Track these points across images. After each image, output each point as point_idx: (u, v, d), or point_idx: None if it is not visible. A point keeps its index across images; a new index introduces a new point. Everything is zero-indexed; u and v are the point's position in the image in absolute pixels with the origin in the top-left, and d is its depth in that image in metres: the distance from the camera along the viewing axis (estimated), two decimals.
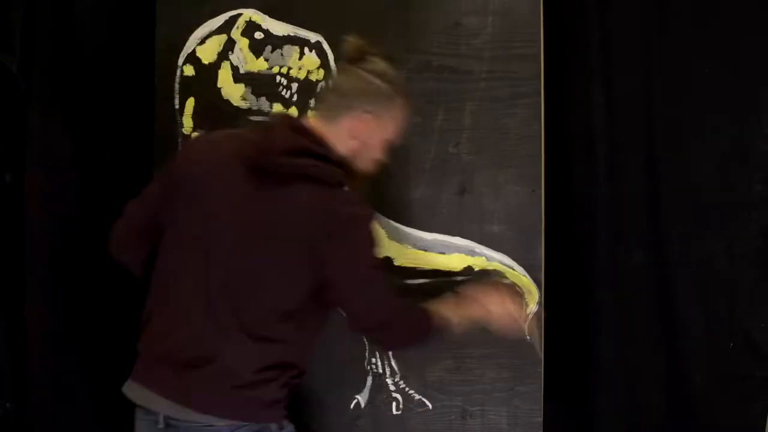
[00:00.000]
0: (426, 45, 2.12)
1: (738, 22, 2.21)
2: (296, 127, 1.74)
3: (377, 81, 1.75)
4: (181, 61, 2.18)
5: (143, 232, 1.84)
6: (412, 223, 2.12)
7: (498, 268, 2.10)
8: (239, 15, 2.17)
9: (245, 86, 2.16)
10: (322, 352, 2.11)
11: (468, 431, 2.10)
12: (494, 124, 2.10)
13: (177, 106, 2.19)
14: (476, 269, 2.10)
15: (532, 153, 2.09)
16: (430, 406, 2.11)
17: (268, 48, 2.16)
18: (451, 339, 2.09)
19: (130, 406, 2.05)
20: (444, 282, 2.11)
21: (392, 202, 2.12)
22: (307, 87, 2.14)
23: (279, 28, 2.16)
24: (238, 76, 2.16)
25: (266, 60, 2.15)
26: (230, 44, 2.16)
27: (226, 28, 2.17)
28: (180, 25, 2.19)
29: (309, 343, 1.82)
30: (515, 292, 2.03)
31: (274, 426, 1.75)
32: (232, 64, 2.17)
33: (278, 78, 2.15)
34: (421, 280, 2.12)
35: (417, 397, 2.11)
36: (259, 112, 2.16)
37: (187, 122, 2.18)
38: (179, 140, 2.17)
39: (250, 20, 2.17)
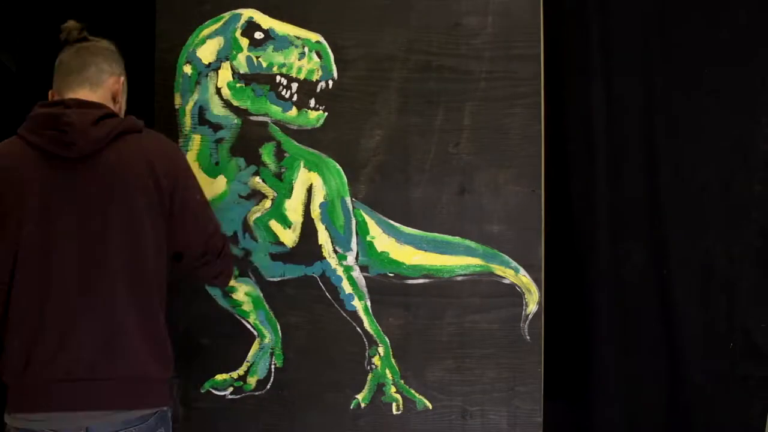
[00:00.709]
0: (426, 45, 2.12)
1: (738, 22, 2.21)
2: (72, 103, 1.74)
3: (110, 47, 1.86)
4: (181, 61, 2.18)
5: None
6: (412, 223, 2.12)
7: (497, 268, 2.10)
8: (239, 15, 2.17)
9: (245, 86, 2.16)
10: (322, 352, 2.12)
11: (468, 431, 2.10)
12: (494, 124, 2.10)
13: (177, 106, 2.19)
14: (476, 269, 2.10)
15: (532, 153, 2.09)
16: (430, 406, 2.11)
17: (268, 48, 2.16)
18: (450, 339, 2.10)
19: None
20: (444, 282, 2.11)
21: (392, 202, 2.12)
22: (307, 87, 2.14)
23: (279, 28, 2.16)
24: (238, 76, 2.17)
25: (266, 60, 2.15)
26: (230, 44, 2.16)
27: (226, 27, 2.17)
28: (180, 25, 2.19)
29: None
30: None
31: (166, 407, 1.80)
32: (232, 64, 2.17)
33: (278, 78, 2.15)
34: (421, 280, 2.12)
35: (417, 397, 2.11)
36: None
37: (187, 122, 2.18)
38: (179, 140, 2.17)
39: (250, 20, 2.17)
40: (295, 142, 2.15)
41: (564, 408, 2.28)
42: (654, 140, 2.26)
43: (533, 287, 2.08)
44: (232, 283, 2.14)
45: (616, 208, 2.27)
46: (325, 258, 2.13)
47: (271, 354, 2.14)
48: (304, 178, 2.14)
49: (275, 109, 2.15)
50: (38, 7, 2.27)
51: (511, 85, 2.10)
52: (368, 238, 2.12)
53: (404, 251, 2.12)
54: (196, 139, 2.15)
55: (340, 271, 2.13)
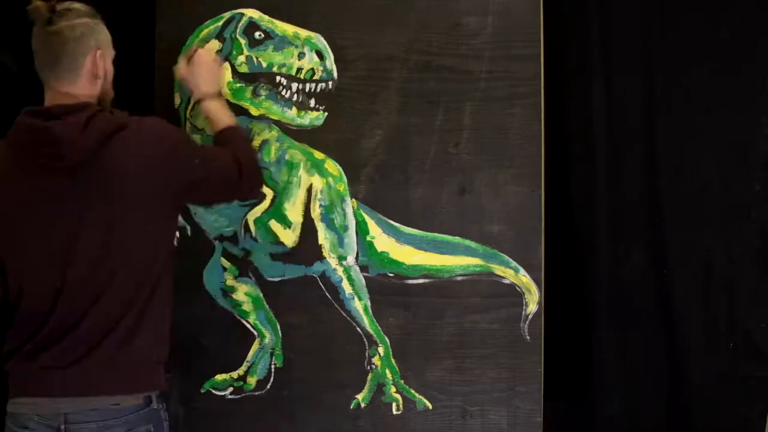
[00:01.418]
0: (426, 45, 2.12)
1: (738, 22, 2.21)
2: (56, 112, 1.74)
3: (80, 20, 1.77)
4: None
5: None
6: (412, 223, 2.12)
7: (497, 268, 2.10)
8: (239, 15, 2.17)
9: (245, 86, 2.16)
10: (322, 352, 2.12)
11: (468, 431, 2.10)
12: (494, 124, 2.10)
13: (177, 106, 2.19)
14: (476, 269, 2.10)
15: (532, 153, 2.09)
16: (430, 406, 2.11)
17: (268, 48, 2.15)
18: (450, 339, 2.10)
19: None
20: (444, 282, 2.11)
21: (392, 202, 2.12)
22: (307, 87, 2.14)
23: (279, 28, 2.16)
24: (237, 76, 2.16)
25: (266, 60, 2.15)
26: (230, 44, 2.16)
27: (225, 27, 2.17)
28: (180, 25, 2.19)
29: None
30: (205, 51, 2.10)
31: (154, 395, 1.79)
32: (232, 63, 2.17)
33: (278, 78, 2.15)
34: (422, 280, 2.12)
35: (417, 397, 2.11)
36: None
37: (187, 122, 2.18)
38: None
39: (250, 20, 2.17)
40: (295, 142, 2.15)
41: (564, 408, 2.28)
42: (654, 140, 2.26)
43: (533, 287, 2.08)
44: (232, 283, 2.15)
45: (616, 208, 2.27)
46: (325, 258, 2.13)
47: (271, 354, 2.14)
48: (304, 178, 2.14)
49: (275, 109, 2.15)
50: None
51: (511, 85, 2.10)
52: (368, 238, 2.12)
53: (404, 251, 2.12)
54: (196, 139, 2.15)
55: (340, 271, 2.13)
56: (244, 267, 2.15)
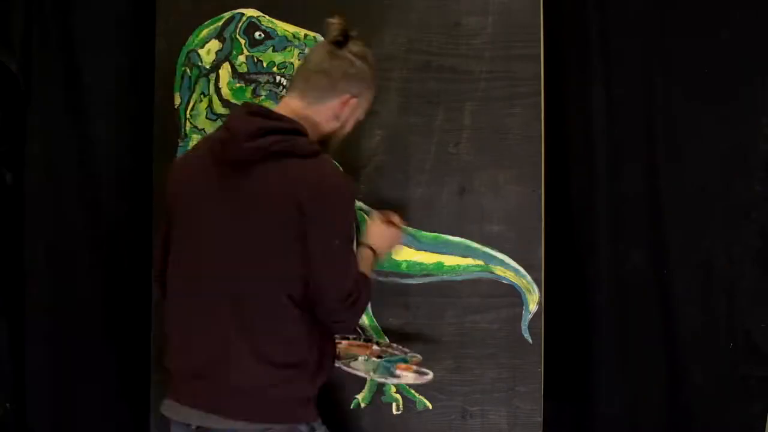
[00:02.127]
0: (426, 45, 2.12)
1: (738, 22, 2.21)
2: (254, 111, 1.74)
3: (361, 64, 1.78)
4: (181, 60, 2.18)
5: None
6: (412, 223, 2.12)
7: (497, 268, 2.10)
8: (239, 15, 2.17)
9: (245, 86, 2.16)
10: None
11: (468, 431, 2.10)
12: (494, 124, 2.10)
13: (177, 106, 2.19)
14: (476, 269, 2.10)
15: (532, 153, 2.09)
16: (430, 406, 2.11)
17: (268, 48, 2.15)
18: (450, 339, 2.10)
19: (132, 407, 2.02)
20: (444, 282, 2.11)
21: (392, 202, 2.12)
22: None
23: (279, 27, 2.16)
24: (238, 76, 2.16)
25: (266, 60, 2.15)
26: (230, 44, 2.16)
27: (226, 27, 2.17)
28: (180, 25, 2.19)
29: (320, 336, 1.78)
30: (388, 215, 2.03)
31: (303, 427, 1.76)
32: (232, 63, 2.17)
33: (278, 78, 2.15)
34: (422, 280, 2.12)
35: (417, 397, 2.11)
36: None
37: (187, 122, 2.18)
38: (179, 140, 2.17)
39: (250, 20, 2.17)
40: None
41: (564, 408, 2.28)
42: (654, 140, 2.26)
43: (533, 287, 2.08)
44: None
45: (616, 209, 2.27)
46: None
47: None
48: None
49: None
50: (39, 6, 2.27)
51: (511, 85, 2.10)
52: None
53: (404, 251, 2.12)
54: (196, 139, 2.15)
55: None
56: None
